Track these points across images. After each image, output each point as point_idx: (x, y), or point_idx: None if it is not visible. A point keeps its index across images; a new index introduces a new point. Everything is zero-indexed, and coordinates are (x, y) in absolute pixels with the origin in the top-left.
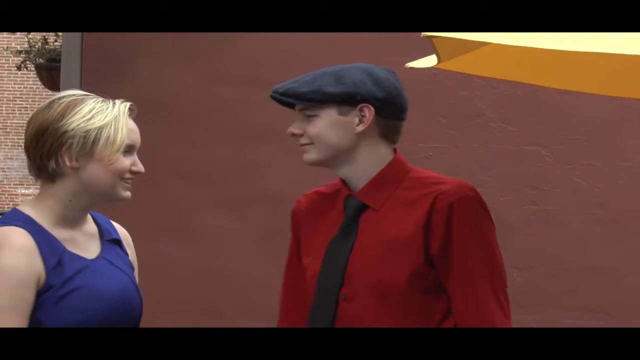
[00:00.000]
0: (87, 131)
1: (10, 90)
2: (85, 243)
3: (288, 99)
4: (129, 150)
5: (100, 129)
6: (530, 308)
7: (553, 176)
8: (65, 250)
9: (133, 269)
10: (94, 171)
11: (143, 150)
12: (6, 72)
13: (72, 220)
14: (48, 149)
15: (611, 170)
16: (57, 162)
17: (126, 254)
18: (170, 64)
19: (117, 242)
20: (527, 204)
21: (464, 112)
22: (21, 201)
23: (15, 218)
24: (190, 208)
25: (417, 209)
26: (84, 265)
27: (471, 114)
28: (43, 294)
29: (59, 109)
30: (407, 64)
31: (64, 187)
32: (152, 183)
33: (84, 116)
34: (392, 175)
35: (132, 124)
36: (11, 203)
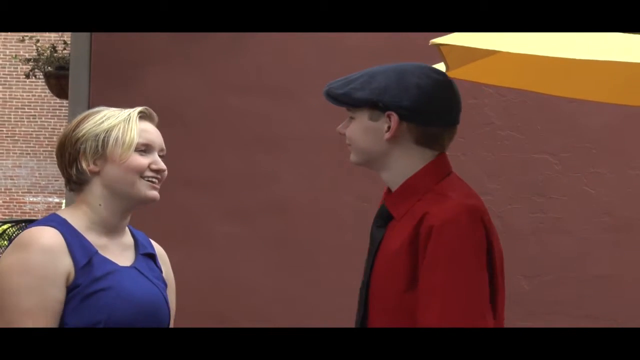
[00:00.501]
0: (97, 134)
1: (19, 98)
2: (119, 252)
3: (327, 99)
4: (145, 150)
5: (108, 130)
6: (538, 316)
7: (561, 184)
8: (96, 252)
9: (166, 285)
10: (111, 172)
11: None
12: (15, 80)
13: (106, 226)
14: (68, 158)
15: (619, 178)
16: (77, 168)
17: (160, 270)
18: (178, 72)
19: (152, 256)
20: (535, 212)
21: (472, 120)
22: (29, 209)
23: (50, 219)
24: (198, 216)
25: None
26: (114, 268)
27: (479, 122)
28: (70, 292)
29: (77, 119)
30: None
31: (91, 193)
32: (161, 192)
33: (95, 122)
34: (417, 186)
35: (146, 126)
36: (19, 211)
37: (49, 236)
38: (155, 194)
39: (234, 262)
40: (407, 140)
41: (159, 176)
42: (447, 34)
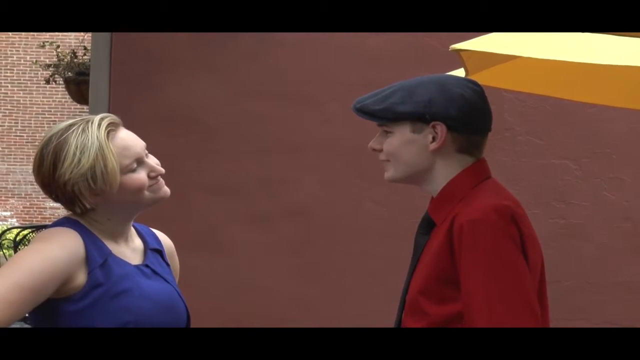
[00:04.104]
0: (83, 174)
1: (39, 104)
2: (130, 251)
3: (363, 116)
4: (137, 164)
5: (91, 168)
6: (557, 322)
7: (581, 189)
8: (110, 253)
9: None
10: (115, 199)
11: (172, 164)
12: (35, 85)
13: (115, 234)
14: (63, 198)
15: (639, 184)
16: (79, 205)
17: (167, 264)
18: (198, 78)
19: (159, 252)
20: (555, 218)
21: (491, 125)
22: (50, 214)
23: (68, 222)
24: (219, 222)
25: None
26: (130, 268)
27: (499, 127)
28: (92, 290)
29: (49, 160)
30: None
31: (98, 214)
32: (180, 197)
33: (71, 162)
34: (454, 191)
35: (123, 138)
36: (40, 216)
37: (72, 238)
38: (165, 191)
39: (253, 267)
40: (450, 149)
41: (160, 178)
42: (466, 34)
